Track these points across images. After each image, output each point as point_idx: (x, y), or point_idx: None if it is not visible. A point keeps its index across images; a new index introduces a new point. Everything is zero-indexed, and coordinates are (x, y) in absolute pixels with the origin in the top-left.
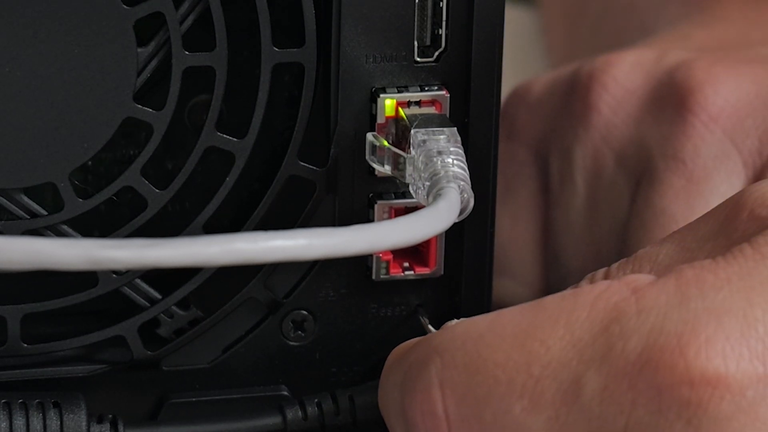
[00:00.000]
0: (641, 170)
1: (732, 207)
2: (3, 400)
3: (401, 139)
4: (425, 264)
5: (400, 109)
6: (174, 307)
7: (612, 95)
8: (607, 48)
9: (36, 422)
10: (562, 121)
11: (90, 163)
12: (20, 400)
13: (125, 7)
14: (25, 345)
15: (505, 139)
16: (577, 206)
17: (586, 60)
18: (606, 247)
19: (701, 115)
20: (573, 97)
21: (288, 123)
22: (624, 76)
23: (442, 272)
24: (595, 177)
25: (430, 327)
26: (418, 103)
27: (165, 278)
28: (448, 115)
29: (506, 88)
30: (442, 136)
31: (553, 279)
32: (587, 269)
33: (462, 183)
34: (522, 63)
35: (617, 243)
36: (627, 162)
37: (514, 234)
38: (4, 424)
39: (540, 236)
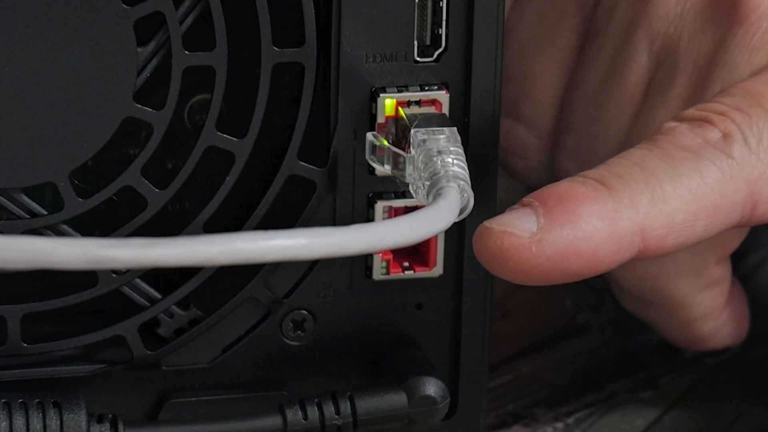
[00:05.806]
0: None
1: None
2: (3, 400)
3: (401, 139)
4: (425, 264)
5: (400, 108)
6: (174, 307)
7: None
8: None
9: (36, 422)
10: None
11: (90, 163)
12: (20, 400)
13: (125, 6)
14: (25, 345)
15: None
16: (599, 67)
17: None
18: (610, 128)
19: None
20: None
21: (288, 123)
22: None
23: (442, 272)
24: (622, 47)
25: None
26: (418, 103)
27: (165, 278)
28: (448, 115)
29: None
30: (442, 136)
31: (563, 139)
32: (593, 137)
33: (462, 183)
34: None
35: (623, 119)
36: (659, 53)
37: (540, 84)
38: (4, 424)
39: (562, 92)
